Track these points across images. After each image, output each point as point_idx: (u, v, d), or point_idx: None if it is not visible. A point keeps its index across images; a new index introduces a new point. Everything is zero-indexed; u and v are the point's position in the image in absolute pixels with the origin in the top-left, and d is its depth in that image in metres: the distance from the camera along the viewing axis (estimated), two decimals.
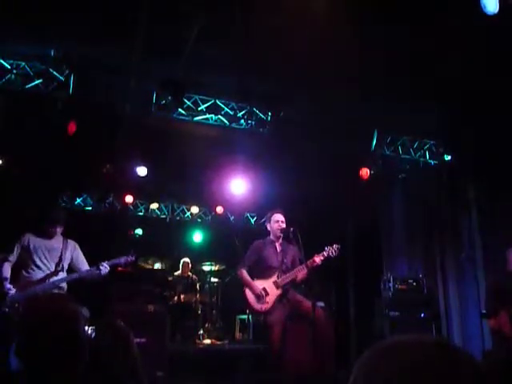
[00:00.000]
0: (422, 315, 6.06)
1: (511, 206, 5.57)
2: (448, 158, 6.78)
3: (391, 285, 6.26)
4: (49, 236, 4.30)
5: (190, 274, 7.76)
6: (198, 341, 6.81)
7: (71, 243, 4.41)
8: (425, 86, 5.26)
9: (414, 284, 6.31)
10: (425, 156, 6.87)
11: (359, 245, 7.74)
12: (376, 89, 5.37)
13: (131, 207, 9.26)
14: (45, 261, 4.20)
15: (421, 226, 7.13)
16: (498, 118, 5.43)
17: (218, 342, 6.93)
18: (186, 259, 7.85)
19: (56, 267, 4.22)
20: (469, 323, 6.17)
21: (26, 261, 4.16)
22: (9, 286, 3.99)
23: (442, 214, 6.84)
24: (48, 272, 4.18)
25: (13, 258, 4.14)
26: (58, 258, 4.25)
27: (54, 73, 5.26)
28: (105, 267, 4.19)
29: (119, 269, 4.88)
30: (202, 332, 7.02)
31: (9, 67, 5.10)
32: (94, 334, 1.73)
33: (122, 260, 4.42)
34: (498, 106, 5.27)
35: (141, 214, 9.52)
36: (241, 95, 5.77)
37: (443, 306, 6.60)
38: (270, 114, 6.17)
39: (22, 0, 4.27)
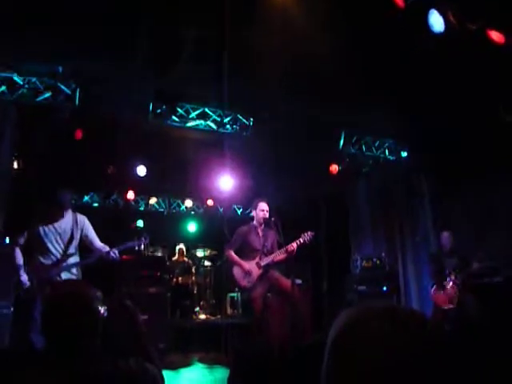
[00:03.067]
0: (385, 289, 6.21)
1: (456, 196, 5.73)
2: (404, 154, 6.92)
3: (358, 263, 6.40)
4: (58, 219, 3.92)
5: (185, 258, 7.79)
6: (194, 317, 6.89)
7: (81, 219, 4.02)
8: (388, 94, 5.37)
9: (378, 262, 6.46)
10: (385, 153, 7.00)
11: (331, 230, 7.86)
12: (344, 95, 5.47)
13: (133, 203, 9.23)
14: (56, 245, 3.86)
15: (383, 213, 7.28)
16: (448, 121, 5.57)
17: (212, 317, 7.02)
18: (181, 246, 7.87)
19: (66, 250, 3.86)
20: (424, 295, 6.32)
21: (38, 246, 3.85)
22: (23, 275, 3.70)
23: (400, 202, 6.99)
24: (59, 256, 3.84)
25: (22, 240, 3.84)
26: (68, 239, 3.89)
27: (62, 87, 5.24)
28: (114, 253, 3.94)
29: (124, 257, 4.84)
30: (197, 309, 7.10)
31: (21, 82, 5.06)
32: (106, 313, 1.78)
33: (135, 243, 4.14)
34: (448, 110, 5.40)
35: (141, 208, 9.50)
36: (226, 104, 5.81)
37: (402, 281, 6.76)
38: (251, 119, 6.22)
39: (32, 23, 4.26)
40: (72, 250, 3.92)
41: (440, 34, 4.24)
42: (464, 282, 4.98)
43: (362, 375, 0.69)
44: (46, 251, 3.83)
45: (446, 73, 4.86)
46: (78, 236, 3.97)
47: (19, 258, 3.77)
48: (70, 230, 3.92)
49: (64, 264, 3.84)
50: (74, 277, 3.86)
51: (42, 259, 3.82)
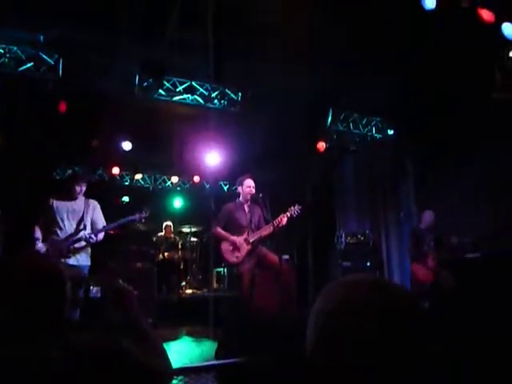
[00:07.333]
0: (368, 264, 6.30)
1: (440, 174, 5.80)
2: (391, 132, 6.92)
3: (343, 239, 6.45)
4: (72, 197, 4.08)
5: (172, 235, 7.75)
6: (181, 291, 6.92)
7: (92, 203, 4.18)
8: (376, 72, 5.30)
9: (362, 238, 6.51)
10: (372, 131, 6.99)
11: (316, 206, 7.89)
12: (332, 72, 5.39)
13: (118, 178, 9.08)
14: (66, 222, 4.01)
15: (368, 190, 7.33)
16: (435, 100, 5.57)
17: (198, 292, 7.06)
18: (168, 222, 7.82)
19: (77, 227, 4.03)
20: (405, 270, 6.44)
21: (51, 222, 4.01)
22: (40, 245, 3.94)
23: (385, 179, 7.04)
24: (70, 231, 4.01)
25: (40, 221, 4.05)
26: (79, 218, 4.05)
27: (44, 57, 5.02)
28: (109, 227, 4.25)
29: (111, 232, 4.78)
30: (184, 284, 7.13)
31: (2, 51, 4.83)
32: (98, 294, 1.71)
33: (136, 217, 4.31)
34: (435, 87, 5.39)
35: (127, 183, 9.36)
36: (214, 78, 5.67)
37: (385, 256, 6.88)
38: (240, 94, 6.11)
39: None
40: (81, 228, 4.07)
41: (431, 11, 4.19)
42: (440, 258, 5.07)
43: (350, 347, 0.69)
44: (58, 227, 4.00)
45: (434, 51, 4.83)
46: (87, 219, 4.12)
47: (37, 233, 3.97)
48: (81, 212, 4.09)
49: (73, 238, 4.01)
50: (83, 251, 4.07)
51: (53, 234, 4.00)
